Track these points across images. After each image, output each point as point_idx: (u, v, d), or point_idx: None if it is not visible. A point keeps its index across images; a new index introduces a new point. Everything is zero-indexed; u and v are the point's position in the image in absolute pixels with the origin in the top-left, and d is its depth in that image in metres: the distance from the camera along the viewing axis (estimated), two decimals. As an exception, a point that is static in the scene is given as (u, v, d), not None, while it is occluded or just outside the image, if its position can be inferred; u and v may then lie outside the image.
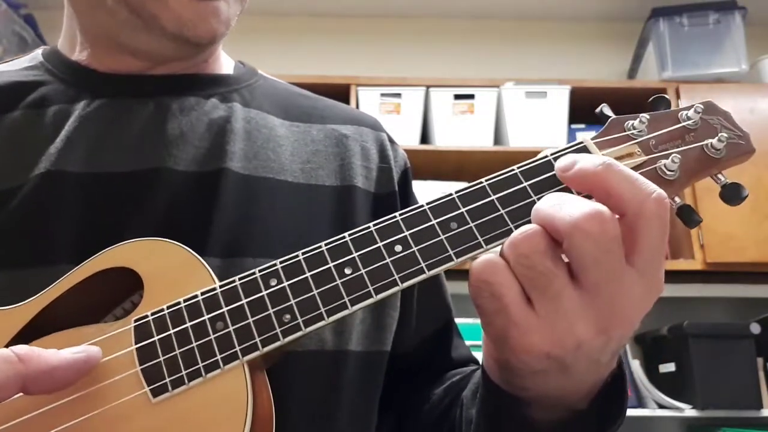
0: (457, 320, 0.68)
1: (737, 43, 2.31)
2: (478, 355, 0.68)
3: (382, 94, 2.22)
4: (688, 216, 0.41)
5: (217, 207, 0.52)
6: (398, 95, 2.23)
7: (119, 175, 0.53)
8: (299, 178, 0.58)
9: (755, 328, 1.91)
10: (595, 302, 0.36)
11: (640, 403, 1.96)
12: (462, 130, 2.20)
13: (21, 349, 0.36)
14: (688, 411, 1.89)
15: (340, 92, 2.16)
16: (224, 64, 0.66)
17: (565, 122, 2.16)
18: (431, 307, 0.65)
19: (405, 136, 2.18)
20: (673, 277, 2.03)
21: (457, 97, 2.23)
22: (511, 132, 2.18)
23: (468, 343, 0.69)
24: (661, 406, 1.94)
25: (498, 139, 2.24)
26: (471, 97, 2.23)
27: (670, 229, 0.37)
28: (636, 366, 2.00)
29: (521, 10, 2.68)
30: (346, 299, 0.40)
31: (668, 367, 2.01)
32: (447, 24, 2.71)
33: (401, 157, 0.68)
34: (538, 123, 2.16)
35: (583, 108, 2.06)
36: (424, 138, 2.27)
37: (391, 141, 0.68)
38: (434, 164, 2.18)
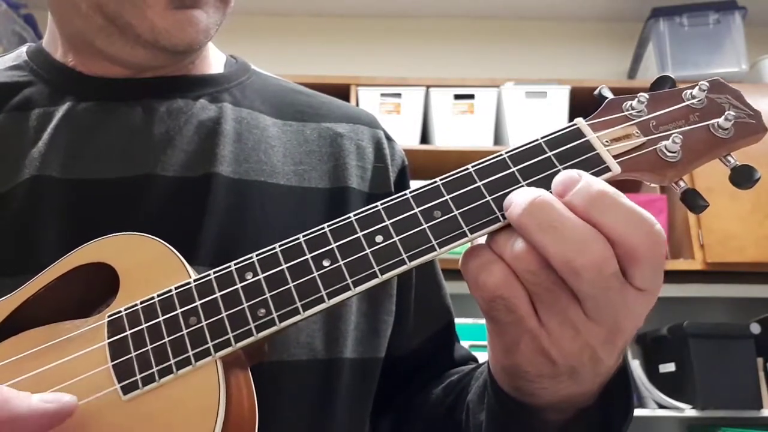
0: (457, 320, 0.68)
1: (737, 43, 2.31)
2: (478, 355, 0.68)
3: (382, 94, 2.22)
4: (693, 201, 0.39)
5: (207, 213, 0.51)
6: (398, 95, 2.22)
7: (106, 182, 0.52)
8: (292, 181, 0.57)
9: (755, 328, 1.91)
10: (600, 323, 0.36)
11: (640, 403, 1.96)
12: (462, 130, 2.20)
13: None
14: (688, 411, 1.89)
15: (340, 92, 2.16)
16: (214, 62, 0.64)
17: (565, 122, 2.14)
18: (430, 308, 0.65)
19: (405, 136, 2.18)
20: (673, 277, 2.03)
21: (457, 97, 2.23)
22: (511, 132, 2.18)
23: (468, 343, 0.68)
24: (661, 406, 1.94)
25: (498, 139, 2.24)
26: (471, 97, 2.23)
27: (669, 230, 0.36)
28: (636, 366, 2.00)
29: (521, 10, 2.67)
30: (323, 292, 0.38)
31: (668, 367, 2.01)
32: (447, 24, 2.71)
33: (398, 155, 0.66)
34: (538, 123, 2.15)
35: (583, 108, 2.06)
36: (424, 138, 2.27)
37: (388, 138, 0.66)
38: (434, 164, 2.17)
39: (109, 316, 0.41)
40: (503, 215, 0.37)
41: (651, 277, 0.35)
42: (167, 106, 0.56)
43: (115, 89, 0.57)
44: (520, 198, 0.35)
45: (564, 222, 0.34)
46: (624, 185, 0.39)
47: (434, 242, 0.38)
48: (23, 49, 0.62)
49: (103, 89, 0.57)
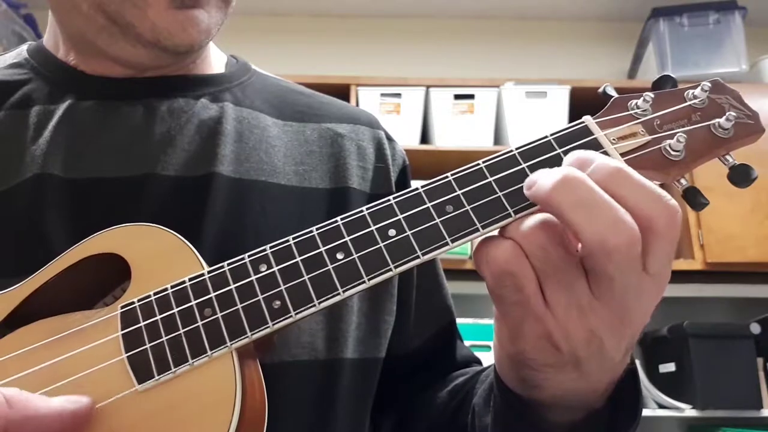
0: (458, 320, 0.68)
1: (737, 43, 2.31)
2: (479, 355, 0.68)
3: (382, 94, 2.22)
4: (693, 198, 0.40)
5: (207, 213, 0.51)
6: (398, 95, 2.22)
7: (107, 181, 0.52)
8: (292, 181, 0.57)
9: (755, 328, 1.91)
10: (609, 305, 0.36)
11: (640, 403, 1.96)
12: (462, 130, 2.20)
13: (10, 391, 0.34)
14: (688, 411, 1.89)
15: (340, 92, 2.16)
16: (215, 62, 0.64)
17: (566, 122, 2.15)
18: (431, 308, 0.65)
19: (405, 136, 2.18)
20: (673, 277, 1.98)
21: (457, 97, 2.23)
22: (511, 132, 2.18)
23: (469, 343, 0.68)
24: (661, 406, 1.94)
25: (498, 139, 2.24)
26: (471, 97, 2.23)
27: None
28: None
29: (521, 10, 2.67)
30: (338, 284, 0.38)
31: (668, 367, 2.01)
32: (447, 24, 2.71)
33: (399, 155, 0.66)
34: (538, 123, 2.15)
35: (583, 108, 2.05)
36: (424, 138, 2.27)
37: (389, 138, 0.66)
38: (434, 164, 2.17)
39: (122, 308, 0.41)
40: (515, 211, 0.38)
41: (664, 259, 0.36)
42: (168, 106, 0.56)
43: (117, 88, 0.57)
44: (548, 176, 0.35)
45: (598, 200, 0.34)
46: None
47: (447, 237, 0.38)
48: (24, 47, 0.62)
49: (104, 88, 0.57)
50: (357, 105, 2.18)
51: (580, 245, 0.35)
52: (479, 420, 0.51)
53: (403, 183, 0.64)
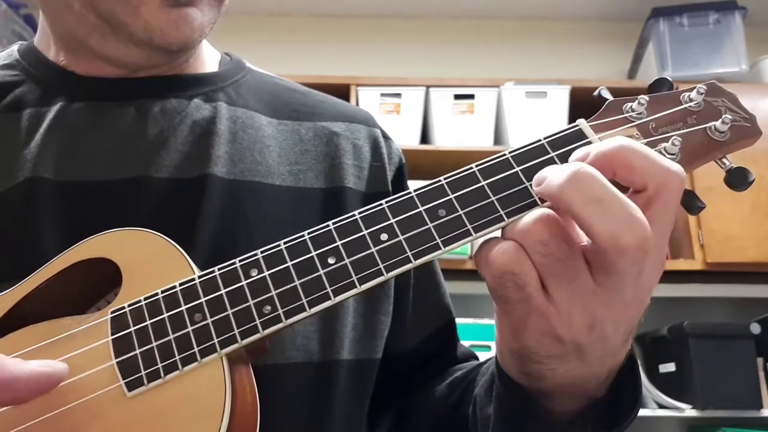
0: (457, 320, 0.68)
1: (737, 43, 2.31)
2: (480, 355, 0.68)
3: (382, 94, 2.22)
4: (690, 202, 0.40)
5: (201, 215, 0.51)
6: (398, 95, 2.22)
7: (100, 184, 0.51)
8: (287, 181, 0.56)
9: (755, 328, 1.92)
10: (612, 292, 0.36)
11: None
12: (462, 130, 2.20)
13: None
14: (688, 411, 1.89)
15: (340, 92, 2.16)
16: (208, 60, 0.63)
17: (565, 122, 2.16)
18: (429, 307, 0.65)
19: (405, 136, 2.18)
20: (673, 277, 2.02)
21: (457, 97, 2.23)
22: (511, 132, 2.18)
23: (468, 343, 0.68)
24: (661, 406, 1.94)
25: (498, 139, 2.24)
26: (471, 97, 2.23)
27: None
28: (636, 366, 2.00)
29: (521, 10, 2.67)
30: (329, 289, 0.38)
31: (668, 367, 2.01)
32: (447, 24, 2.71)
33: (396, 153, 0.65)
34: (538, 123, 2.16)
35: (583, 108, 2.05)
36: (424, 138, 2.27)
37: (385, 137, 0.65)
38: (434, 164, 2.18)
39: (112, 312, 0.40)
40: (507, 215, 0.38)
41: (667, 228, 0.36)
42: (161, 106, 0.56)
43: (108, 89, 0.56)
44: (559, 171, 0.35)
45: (611, 196, 0.34)
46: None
47: (439, 240, 0.38)
48: (14, 47, 0.62)
49: (96, 89, 0.56)
50: (357, 105, 2.18)
51: (587, 240, 0.35)
52: (481, 411, 0.50)
53: (399, 182, 0.63)
